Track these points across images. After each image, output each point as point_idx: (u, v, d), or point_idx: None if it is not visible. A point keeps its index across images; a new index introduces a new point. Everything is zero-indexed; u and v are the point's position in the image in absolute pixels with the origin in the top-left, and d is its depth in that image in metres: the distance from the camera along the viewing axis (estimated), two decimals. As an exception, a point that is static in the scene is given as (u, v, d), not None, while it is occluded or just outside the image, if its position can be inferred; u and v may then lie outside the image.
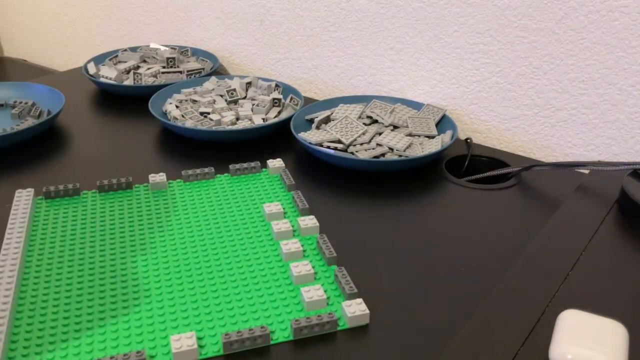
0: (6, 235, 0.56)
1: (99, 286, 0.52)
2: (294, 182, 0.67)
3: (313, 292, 0.49)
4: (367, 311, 0.47)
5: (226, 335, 0.44)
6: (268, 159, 0.72)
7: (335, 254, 0.54)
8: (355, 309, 0.47)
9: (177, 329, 0.47)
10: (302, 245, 0.57)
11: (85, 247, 0.57)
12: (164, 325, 0.47)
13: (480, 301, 0.46)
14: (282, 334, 0.46)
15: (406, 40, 0.86)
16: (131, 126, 0.86)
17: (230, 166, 0.70)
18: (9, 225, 0.58)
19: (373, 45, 0.90)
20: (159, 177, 0.67)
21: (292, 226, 0.60)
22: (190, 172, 0.68)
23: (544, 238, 0.53)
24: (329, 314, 0.47)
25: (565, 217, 0.56)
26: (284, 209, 0.63)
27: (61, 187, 0.65)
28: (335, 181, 0.70)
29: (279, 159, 0.72)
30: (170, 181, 0.69)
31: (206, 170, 0.69)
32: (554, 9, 0.71)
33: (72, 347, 0.45)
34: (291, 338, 0.46)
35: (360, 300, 0.48)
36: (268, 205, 0.62)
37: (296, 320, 0.46)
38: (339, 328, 0.47)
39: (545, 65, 0.75)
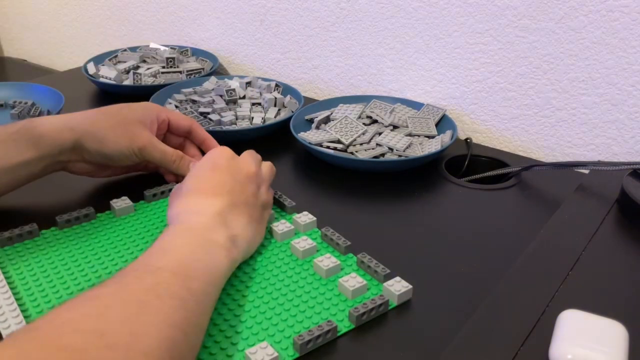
0: None
1: None
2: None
3: (353, 281, 0.50)
4: (410, 286, 0.49)
5: (299, 336, 0.44)
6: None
7: (349, 243, 0.55)
8: (400, 287, 0.49)
9: (247, 340, 0.45)
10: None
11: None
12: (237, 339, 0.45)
13: (480, 301, 0.46)
14: (342, 324, 0.47)
15: (406, 40, 0.86)
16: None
17: None
18: None
19: (373, 45, 0.90)
20: (123, 202, 0.62)
21: (291, 225, 0.59)
22: (153, 191, 0.64)
23: (544, 238, 0.53)
24: (380, 296, 0.48)
25: (565, 217, 0.56)
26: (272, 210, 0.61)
27: (17, 230, 0.57)
28: (335, 181, 0.70)
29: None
30: (136, 204, 0.63)
31: (169, 186, 0.65)
32: (554, 9, 0.71)
33: None
34: (353, 326, 0.47)
35: (399, 278, 0.50)
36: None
37: (355, 309, 0.47)
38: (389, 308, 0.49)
39: (545, 65, 0.75)
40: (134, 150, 0.61)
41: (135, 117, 0.62)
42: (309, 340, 0.44)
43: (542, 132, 0.78)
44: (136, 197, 0.64)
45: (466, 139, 0.80)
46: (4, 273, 0.53)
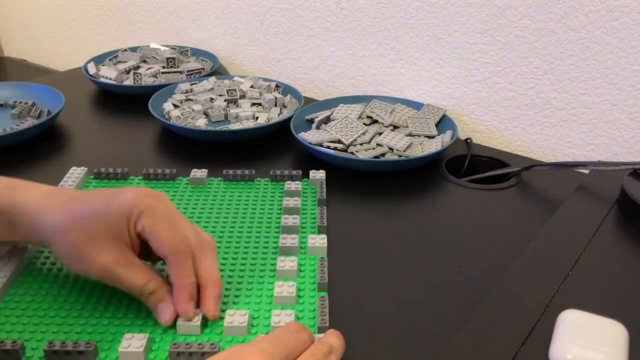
0: None
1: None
2: (325, 197, 0.65)
3: (282, 317, 0.46)
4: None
5: (174, 344, 0.43)
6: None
7: (326, 281, 0.51)
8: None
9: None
10: (303, 264, 0.54)
11: None
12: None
13: (480, 301, 0.46)
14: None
15: (406, 40, 0.86)
16: (131, 126, 0.86)
17: (271, 171, 0.68)
18: None
19: (373, 45, 0.90)
20: (200, 172, 0.68)
21: (303, 242, 0.57)
22: (231, 172, 0.68)
23: (544, 238, 0.53)
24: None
25: (565, 217, 0.56)
26: (302, 223, 0.61)
27: (111, 169, 0.68)
28: (335, 181, 0.70)
29: (321, 171, 0.69)
30: (212, 178, 0.69)
31: (247, 172, 0.68)
32: (554, 9, 0.71)
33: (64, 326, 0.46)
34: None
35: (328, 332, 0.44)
36: (286, 217, 0.60)
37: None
38: None
39: (545, 65, 0.75)
40: (94, 276, 0.47)
41: (105, 232, 0.46)
42: (181, 352, 0.42)
43: (542, 132, 0.78)
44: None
45: (466, 139, 0.80)
46: None
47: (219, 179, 0.69)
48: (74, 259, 0.46)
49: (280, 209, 0.63)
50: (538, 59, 0.75)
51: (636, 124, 0.71)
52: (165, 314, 0.46)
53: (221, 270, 0.53)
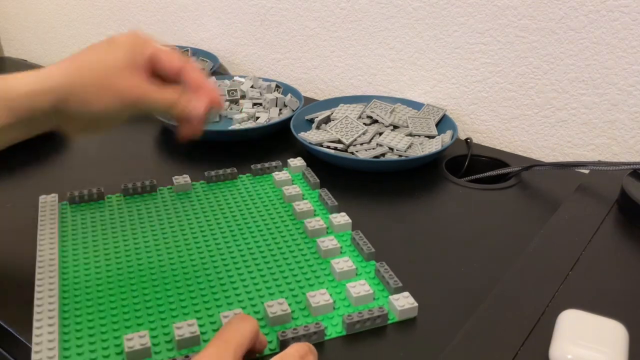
0: (39, 242, 0.56)
1: (142, 289, 0.51)
2: (318, 181, 0.67)
3: (359, 288, 0.49)
4: (416, 304, 0.48)
5: (282, 333, 0.44)
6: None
7: (373, 250, 0.55)
8: (404, 303, 0.48)
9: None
10: (341, 242, 0.57)
11: (120, 249, 0.56)
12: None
13: (480, 301, 0.46)
14: (334, 329, 0.46)
15: (406, 40, 0.86)
16: (131, 126, 0.86)
17: (252, 166, 0.69)
18: (39, 232, 0.57)
19: (373, 45, 0.90)
20: (183, 179, 0.67)
21: (324, 223, 0.59)
22: (213, 173, 0.68)
23: (544, 238, 0.53)
24: (379, 308, 0.47)
25: (565, 217, 0.56)
26: (313, 207, 0.63)
27: (85, 191, 0.64)
28: (335, 181, 0.70)
29: (299, 158, 0.71)
30: (194, 183, 0.68)
31: (228, 170, 0.68)
32: (554, 9, 0.71)
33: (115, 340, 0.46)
34: (344, 333, 0.46)
35: (407, 293, 0.49)
36: (298, 204, 0.62)
37: (348, 316, 0.46)
38: (388, 322, 0.48)
39: (545, 65, 0.75)
40: (125, 106, 0.49)
41: (122, 62, 0.49)
42: (291, 339, 0.44)
43: (542, 132, 0.78)
44: (196, 176, 0.69)
45: (466, 139, 0.80)
46: (62, 227, 0.60)
47: (201, 182, 0.68)
48: (103, 94, 0.48)
49: (273, 200, 0.64)
50: (538, 59, 0.75)
51: (636, 124, 0.71)
52: (199, 103, 0.49)
53: (265, 260, 0.55)
